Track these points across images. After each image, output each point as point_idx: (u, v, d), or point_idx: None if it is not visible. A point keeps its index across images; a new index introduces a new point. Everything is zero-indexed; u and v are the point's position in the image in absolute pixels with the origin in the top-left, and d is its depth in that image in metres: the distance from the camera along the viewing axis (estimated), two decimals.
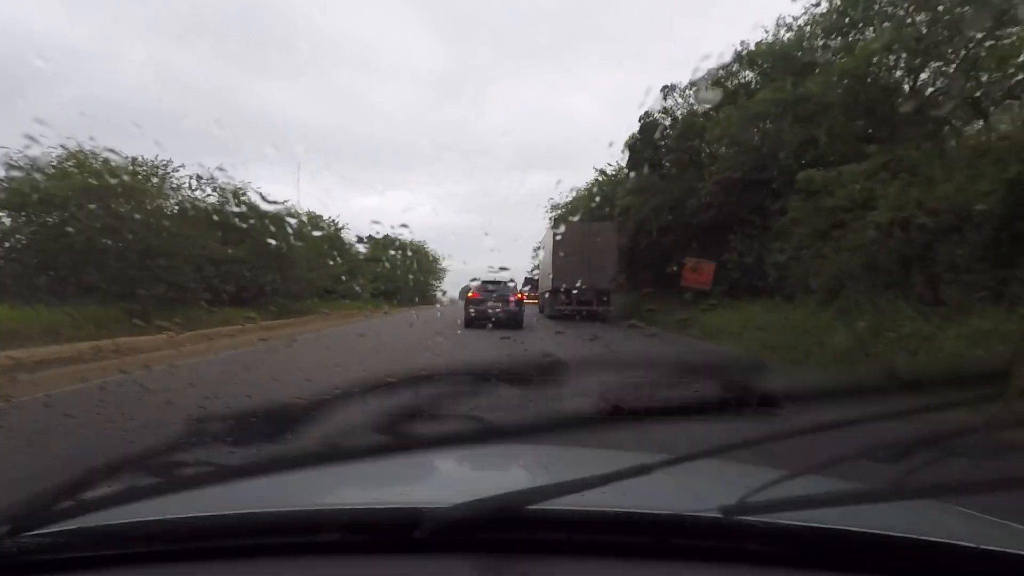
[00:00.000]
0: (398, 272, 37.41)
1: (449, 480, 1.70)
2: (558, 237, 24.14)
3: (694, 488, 1.41)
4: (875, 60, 14.39)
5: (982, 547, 1.04)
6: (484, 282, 18.70)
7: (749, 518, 1.04)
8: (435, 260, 57.04)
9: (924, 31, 13.46)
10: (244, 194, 19.46)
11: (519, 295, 19.51)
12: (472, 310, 18.32)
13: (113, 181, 14.07)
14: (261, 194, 25.27)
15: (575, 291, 23.93)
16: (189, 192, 19.29)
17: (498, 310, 18.07)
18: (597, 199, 31.72)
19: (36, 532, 1.01)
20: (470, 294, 18.86)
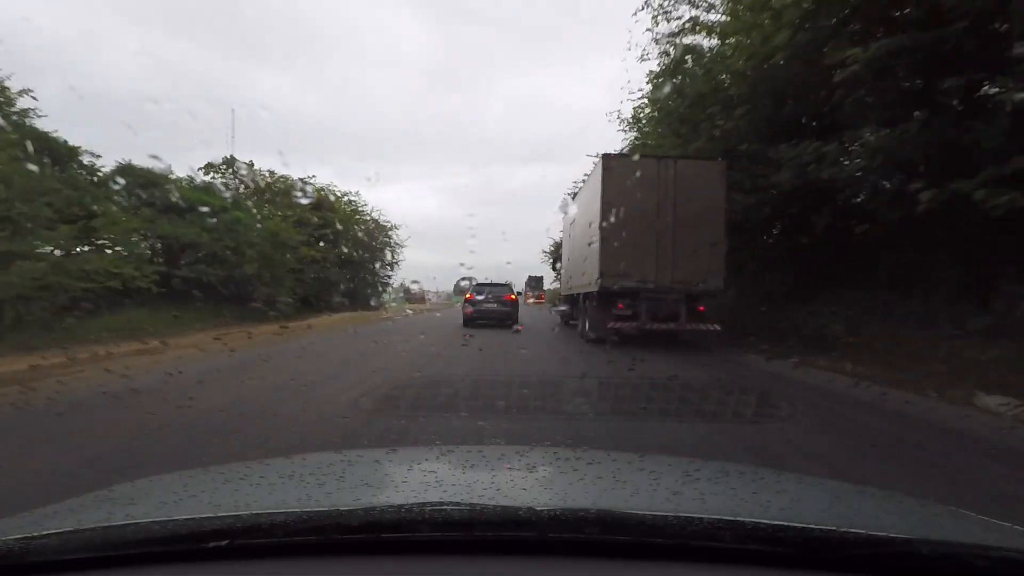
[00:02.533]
0: (245, 246, 17.79)
1: (450, 481, 1.64)
2: (608, 194, 12.18)
3: (694, 488, 1.48)
4: None
5: (981, 548, 1.05)
6: (480, 284, 19.57)
7: (749, 518, 1.07)
8: (383, 229, 36.28)
9: None
10: None
11: (512, 296, 19.75)
12: (469, 310, 19.17)
13: None
14: None
15: (646, 293, 12.16)
16: None
17: (493, 310, 18.94)
18: None
19: (38, 533, 1.04)
20: (467, 295, 19.59)
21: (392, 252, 38.19)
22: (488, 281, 19.39)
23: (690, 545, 1.05)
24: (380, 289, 38.42)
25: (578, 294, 16.06)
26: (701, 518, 1.08)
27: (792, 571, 1.03)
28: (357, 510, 1.09)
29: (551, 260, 27.31)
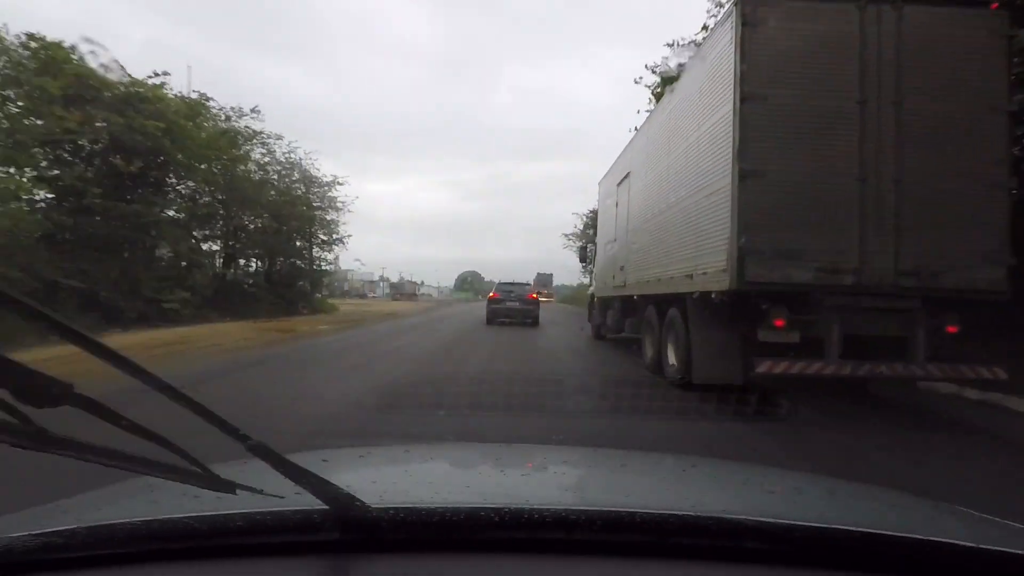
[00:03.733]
0: None
1: (451, 480, 1.68)
2: (753, 78, 5.48)
3: (694, 486, 1.52)
4: None
5: (981, 547, 1.03)
6: (503, 283, 20.51)
7: (749, 517, 1.07)
8: (312, 182, 23.20)
9: None
10: None
11: (534, 295, 20.19)
12: (493, 308, 19.54)
13: None
14: None
15: (840, 298, 5.57)
16: None
17: (516, 308, 19.22)
18: None
19: (37, 532, 1.03)
20: (491, 294, 20.47)
21: (329, 222, 24.45)
22: (511, 281, 20.79)
23: (689, 544, 1.04)
24: (316, 279, 25.32)
25: (638, 296, 9.43)
26: (700, 516, 1.08)
27: (791, 570, 1.02)
28: (360, 509, 1.05)
29: (580, 244, 20.85)
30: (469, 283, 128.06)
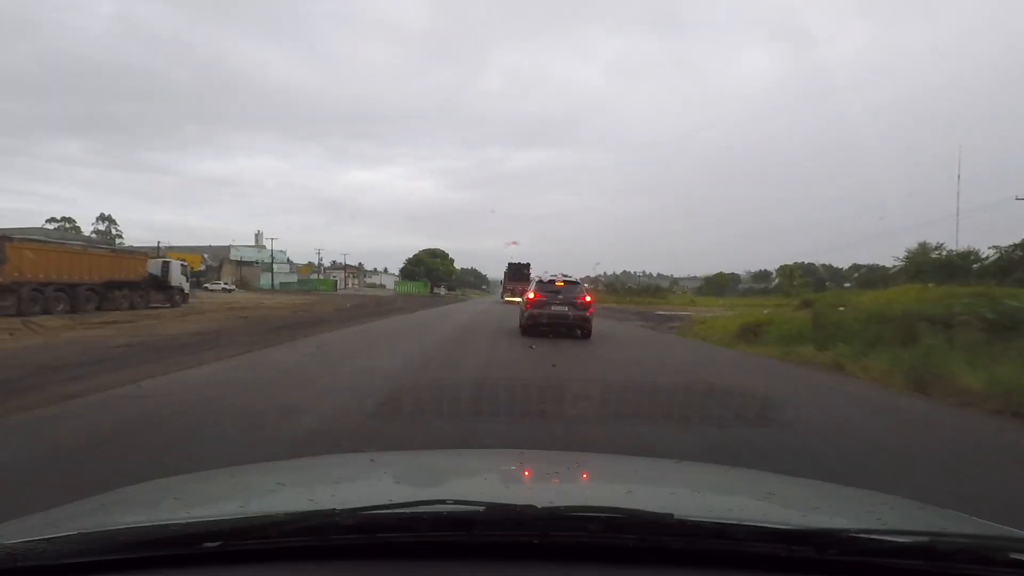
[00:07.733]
0: None
1: (451, 482, 1.67)
2: None
3: (697, 490, 1.53)
4: None
5: (980, 540, 1.09)
6: (543, 282, 15.96)
7: (747, 519, 1.09)
8: None
9: None
10: None
11: (588, 298, 15.56)
12: (532, 313, 15.41)
13: None
14: None
15: None
16: None
17: (563, 313, 15.26)
18: None
19: (38, 537, 1.02)
20: (530, 295, 15.86)
21: None
22: (553, 278, 16.02)
23: (693, 547, 1.03)
24: None
25: None
26: (703, 520, 1.07)
27: (792, 570, 1.00)
28: (353, 510, 1.06)
29: None
30: (423, 266, 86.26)
